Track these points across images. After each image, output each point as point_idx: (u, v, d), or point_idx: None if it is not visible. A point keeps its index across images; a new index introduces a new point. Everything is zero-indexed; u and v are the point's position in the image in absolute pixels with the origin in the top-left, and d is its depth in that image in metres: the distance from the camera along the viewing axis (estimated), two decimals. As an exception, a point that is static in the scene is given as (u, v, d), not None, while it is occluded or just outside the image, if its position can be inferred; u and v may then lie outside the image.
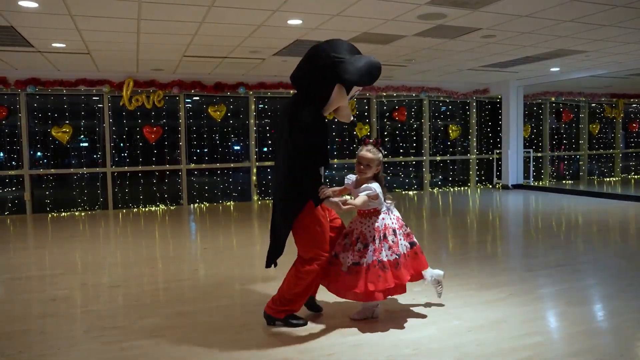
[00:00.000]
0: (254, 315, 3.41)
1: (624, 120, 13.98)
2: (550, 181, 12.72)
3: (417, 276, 3.33)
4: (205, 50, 7.30)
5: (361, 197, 3.12)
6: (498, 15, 5.67)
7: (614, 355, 2.75)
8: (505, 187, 11.57)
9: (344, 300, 3.45)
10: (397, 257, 3.14)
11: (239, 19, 5.59)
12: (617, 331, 3.11)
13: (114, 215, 8.73)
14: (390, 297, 3.41)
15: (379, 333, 3.09)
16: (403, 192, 11.29)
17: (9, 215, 8.74)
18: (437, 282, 3.42)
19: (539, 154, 12.68)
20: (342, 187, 3.35)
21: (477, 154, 12.14)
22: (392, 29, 6.21)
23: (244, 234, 6.77)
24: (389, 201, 3.33)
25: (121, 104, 9.16)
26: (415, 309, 3.50)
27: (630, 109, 14.18)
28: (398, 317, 3.34)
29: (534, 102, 12.49)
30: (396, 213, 3.35)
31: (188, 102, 9.79)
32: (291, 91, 10.04)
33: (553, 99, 12.57)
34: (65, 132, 8.91)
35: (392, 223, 3.24)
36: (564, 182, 12.87)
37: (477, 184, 12.21)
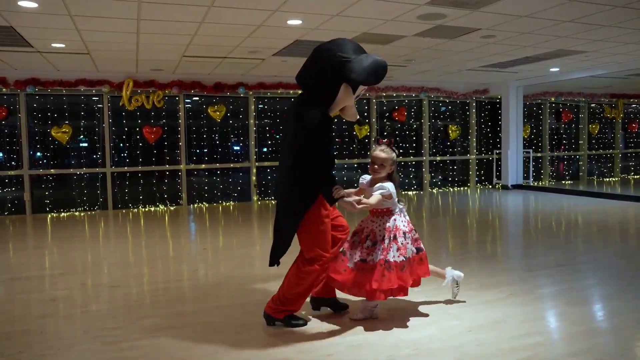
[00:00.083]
0: (254, 315, 3.41)
1: (624, 120, 13.99)
2: (549, 181, 12.73)
3: (418, 282, 3.34)
4: (205, 51, 7.29)
5: (375, 196, 3.14)
6: (498, 16, 5.67)
7: (614, 355, 2.75)
8: (504, 187, 11.57)
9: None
10: (404, 259, 3.15)
11: (238, 19, 5.59)
12: (617, 331, 3.11)
13: (113, 215, 8.73)
14: (390, 297, 3.43)
15: (379, 333, 3.08)
16: (403, 192, 11.29)
17: (9, 215, 8.74)
18: (456, 284, 3.55)
19: (539, 154, 12.69)
20: (358, 189, 3.38)
21: (476, 154, 12.15)
22: (392, 29, 6.21)
23: (244, 234, 6.77)
24: (402, 204, 3.34)
25: (121, 104, 9.16)
26: (415, 309, 3.50)
27: (629, 109, 14.18)
28: (398, 317, 3.34)
29: (534, 102, 12.49)
30: (407, 217, 3.36)
31: (188, 103, 9.79)
32: (291, 91, 10.04)
33: (553, 99, 12.58)
34: (64, 132, 8.91)
35: (403, 225, 3.25)
36: (563, 182, 12.87)
37: (476, 184, 12.22)
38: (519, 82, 11.21)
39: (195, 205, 9.81)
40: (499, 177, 11.89)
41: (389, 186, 3.19)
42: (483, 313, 3.41)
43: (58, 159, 9.18)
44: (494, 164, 12.04)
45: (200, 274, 4.73)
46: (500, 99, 11.74)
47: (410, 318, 3.32)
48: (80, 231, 7.18)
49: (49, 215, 8.76)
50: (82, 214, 8.89)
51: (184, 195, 9.78)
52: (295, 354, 2.82)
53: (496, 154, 11.98)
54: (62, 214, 8.95)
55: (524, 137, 11.98)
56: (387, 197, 3.17)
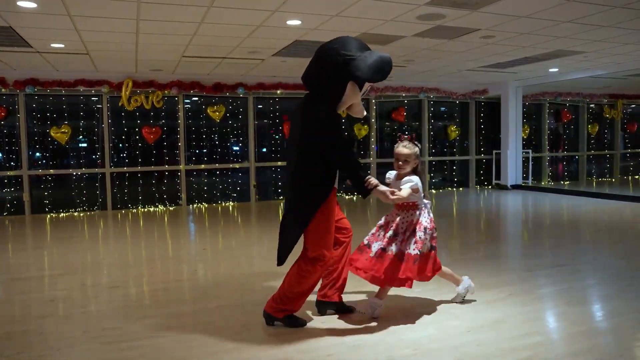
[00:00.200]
0: (254, 315, 3.41)
1: (623, 120, 14.00)
2: (549, 182, 12.73)
3: (424, 278, 3.32)
4: (204, 51, 7.29)
5: (405, 189, 3.19)
6: (497, 16, 5.67)
7: (614, 355, 2.75)
8: (504, 188, 11.57)
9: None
10: (418, 253, 3.19)
11: (238, 19, 5.59)
12: (617, 331, 3.11)
13: (112, 215, 8.72)
14: (389, 296, 3.46)
15: (379, 333, 3.08)
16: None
17: (8, 215, 8.73)
18: (466, 292, 3.59)
19: (538, 155, 12.69)
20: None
21: (476, 155, 12.15)
22: (392, 30, 6.21)
23: (243, 235, 6.77)
24: (427, 200, 3.39)
25: (120, 104, 9.15)
26: (415, 309, 3.50)
27: (629, 110, 14.19)
28: (398, 317, 3.34)
29: (533, 102, 12.50)
30: (431, 215, 3.38)
31: (187, 103, 9.78)
32: (291, 91, 10.03)
33: (552, 99, 12.59)
34: (64, 132, 8.90)
35: (426, 221, 3.29)
36: (562, 182, 12.88)
37: (476, 185, 12.22)
38: (518, 82, 11.22)
39: (195, 205, 9.81)
40: (498, 178, 11.89)
41: (416, 180, 3.26)
42: (483, 313, 3.41)
43: (57, 159, 9.17)
44: (494, 164, 12.05)
45: (199, 274, 4.73)
46: (499, 99, 11.75)
47: (410, 318, 3.32)
48: (79, 231, 7.17)
49: (48, 216, 8.75)
50: (81, 215, 8.88)
51: (184, 196, 9.78)
52: (295, 354, 2.82)
53: (495, 154, 11.99)
54: (62, 214, 8.94)
55: (523, 138, 11.99)
56: (414, 190, 3.23)
